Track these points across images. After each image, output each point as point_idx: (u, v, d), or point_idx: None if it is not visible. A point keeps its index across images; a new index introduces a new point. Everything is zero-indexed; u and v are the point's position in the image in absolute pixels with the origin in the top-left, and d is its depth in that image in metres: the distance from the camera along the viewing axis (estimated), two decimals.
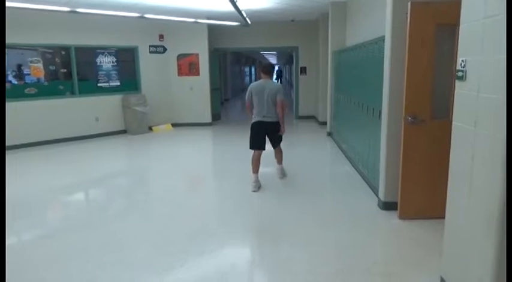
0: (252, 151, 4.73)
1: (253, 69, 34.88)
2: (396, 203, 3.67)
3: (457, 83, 2.27)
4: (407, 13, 3.28)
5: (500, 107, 1.82)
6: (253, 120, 4.70)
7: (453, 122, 2.31)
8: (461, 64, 2.21)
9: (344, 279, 2.66)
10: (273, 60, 36.75)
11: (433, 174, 3.45)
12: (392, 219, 3.67)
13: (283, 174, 5.18)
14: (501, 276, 1.90)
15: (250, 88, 4.68)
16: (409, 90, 3.35)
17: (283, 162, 5.17)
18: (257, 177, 4.72)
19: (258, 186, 4.70)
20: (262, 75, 4.72)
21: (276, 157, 5.06)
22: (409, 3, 3.24)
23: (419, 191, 3.55)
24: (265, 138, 4.69)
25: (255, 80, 38.05)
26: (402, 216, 3.63)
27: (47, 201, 4.65)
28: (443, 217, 2.47)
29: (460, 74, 2.21)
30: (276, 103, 4.53)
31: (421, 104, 3.37)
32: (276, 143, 4.85)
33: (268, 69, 4.80)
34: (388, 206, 3.85)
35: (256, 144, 4.65)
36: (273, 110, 4.56)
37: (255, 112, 4.66)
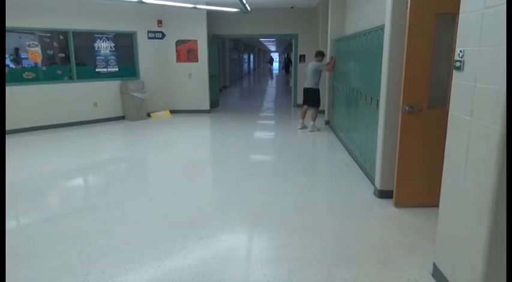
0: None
1: (252, 57, 34.59)
2: (392, 192, 3.72)
3: (455, 73, 2.28)
4: (407, 2, 3.27)
5: (496, 97, 1.85)
6: (303, 87, 7.64)
7: (450, 112, 2.34)
8: (459, 54, 2.22)
9: (340, 265, 2.71)
10: (272, 47, 36.44)
11: (429, 163, 3.49)
12: (387, 207, 3.73)
13: (315, 128, 7.47)
14: (493, 264, 1.95)
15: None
16: (407, 79, 3.36)
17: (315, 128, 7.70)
18: (303, 121, 7.64)
19: (302, 127, 7.59)
20: (314, 58, 7.50)
21: (311, 115, 7.45)
22: None
23: (415, 179, 3.59)
24: (308, 98, 7.50)
25: (253, 67, 37.83)
26: (397, 205, 3.69)
27: (47, 185, 4.68)
28: (437, 206, 2.51)
29: (457, 64, 2.23)
30: (316, 74, 7.39)
31: (418, 93, 3.38)
32: (312, 103, 7.46)
33: (317, 54, 7.55)
34: (384, 194, 3.90)
35: (304, 101, 7.58)
36: (311, 80, 7.39)
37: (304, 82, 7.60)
